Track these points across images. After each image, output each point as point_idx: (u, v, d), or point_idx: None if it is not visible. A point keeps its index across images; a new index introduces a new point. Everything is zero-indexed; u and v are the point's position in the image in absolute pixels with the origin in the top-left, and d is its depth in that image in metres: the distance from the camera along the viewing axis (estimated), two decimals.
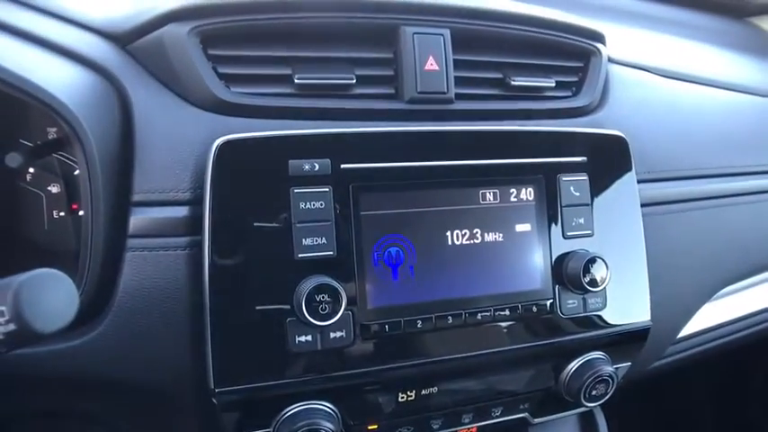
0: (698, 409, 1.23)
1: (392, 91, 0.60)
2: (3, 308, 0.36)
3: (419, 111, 0.59)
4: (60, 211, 0.61)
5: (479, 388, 0.60)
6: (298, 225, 0.51)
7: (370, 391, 0.55)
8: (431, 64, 0.59)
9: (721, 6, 1.15)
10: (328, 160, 0.53)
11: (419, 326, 0.55)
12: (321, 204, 0.52)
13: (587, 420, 0.76)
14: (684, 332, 0.78)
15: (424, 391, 0.58)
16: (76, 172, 0.59)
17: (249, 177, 0.51)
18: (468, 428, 0.63)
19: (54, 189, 0.63)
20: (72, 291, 0.39)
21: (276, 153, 0.52)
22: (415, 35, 0.59)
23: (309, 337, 0.51)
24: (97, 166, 0.51)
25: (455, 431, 0.62)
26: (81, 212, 0.56)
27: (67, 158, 0.60)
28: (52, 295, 0.38)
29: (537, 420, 0.66)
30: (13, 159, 0.54)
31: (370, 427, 0.57)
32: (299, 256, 0.51)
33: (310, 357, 0.51)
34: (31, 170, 0.62)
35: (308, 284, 0.50)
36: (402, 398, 0.57)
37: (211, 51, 0.55)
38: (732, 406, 1.20)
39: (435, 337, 0.56)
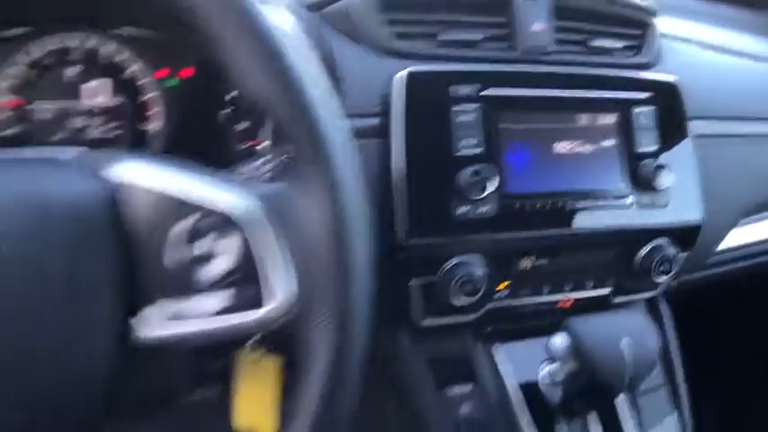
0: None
1: (507, 45, 0.82)
2: None
3: (528, 59, 0.81)
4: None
5: (577, 263, 0.81)
6: (455, 132, 0.73)
7: (504, 253, 0.77)
8: (536, 26, 0.82)
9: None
10: (477, 85, 0.74)
11: (538, 207, 0.76)
12: (472, 117, 0.74)
13: (654, 311, 0.96)
14: (722, 246, 0.99)
15: (538, 261, 0.79)
16: None
17: (422, 98, 0.73)
18: (567, 298, 0.84)
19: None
20: None
21: (440, 81, 0.74)
22: (522, 2, 0.81)
23: (467, 208, 0.72)
24: None
25: (558, 299, 0.83)
26: None
27: None
28: None
29: (616, 299, 0.86)
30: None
31: (502, 286, 0.78)
32: (457, 154, 0.73)
33: (468, 223, 0.72)
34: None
35: (465, 171, 0.71)
36: (523, 265, 0.78)
37: (383, 16, 0.78)
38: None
39: (549, 215, 0.77)
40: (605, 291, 0.85)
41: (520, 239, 0.76)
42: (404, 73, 0.72)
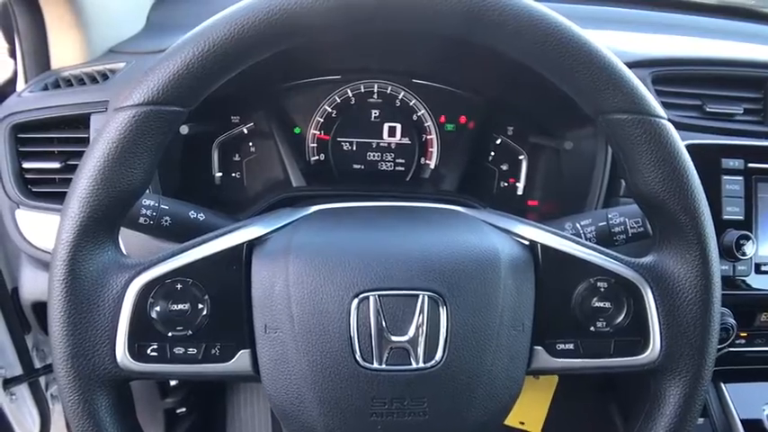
0: None
1: (762, 118, 0.91)
2: None
3: None
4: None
5: None
6: (724, 198, 0.84)
7: (750, 307, 0.87)
8: None
9: None
10: (743, 160, 0.85)
11: None
12: (738, 186, 0.84)
13: None
14: None
15: None
16: None
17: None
18: None
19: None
20: None
21: (713, 153, 0.84)
22: None
23: (726, 267, 0.83)
24: None
25: None
26: None
27: None
28: None
29: None
30: None
31: (743, 335, 0.88)
32: (723, 217, 0.83)
33: (724, 280, 0.82)
34: None
35: (730, 234, 0.82)
36: (763, 319, 0.88)
37: (653, 87, 0.89)
38: None
39: None
40: None
41: (765, 297, 0.86)
42: None
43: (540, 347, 0.57)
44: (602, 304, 0.56)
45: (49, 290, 0.51)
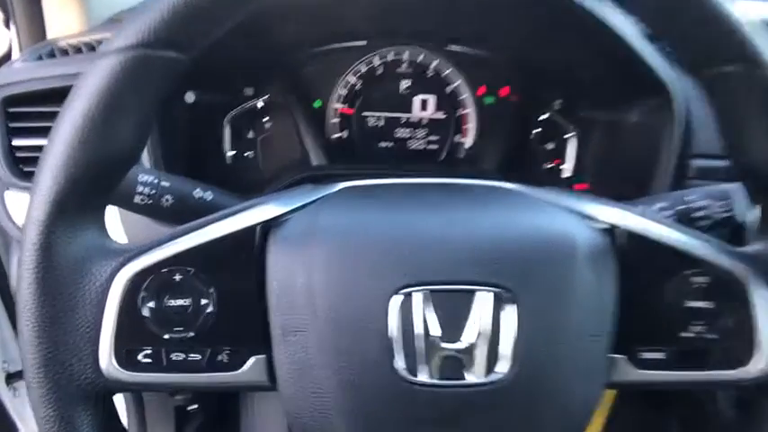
0: None
1: None
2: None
3: None
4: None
5: None
6: None
7: None
8: None
9: None
10: None
11: None
12: None
13: None
14: None
15: None
16: None
17: None
18: None
19: None
20: None
21: None
22: None
23: None
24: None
25: None
26: None
27: None
28: None
29: None
30: None
31: None
32: None
33: None
34: None
35: None
36: None
37: None
38: None
39: None
40: None
41: None
42: None
43: (621, 356, 0.46)
44: (699, 304, 0.45)
45: (18, 280, 0.41)
